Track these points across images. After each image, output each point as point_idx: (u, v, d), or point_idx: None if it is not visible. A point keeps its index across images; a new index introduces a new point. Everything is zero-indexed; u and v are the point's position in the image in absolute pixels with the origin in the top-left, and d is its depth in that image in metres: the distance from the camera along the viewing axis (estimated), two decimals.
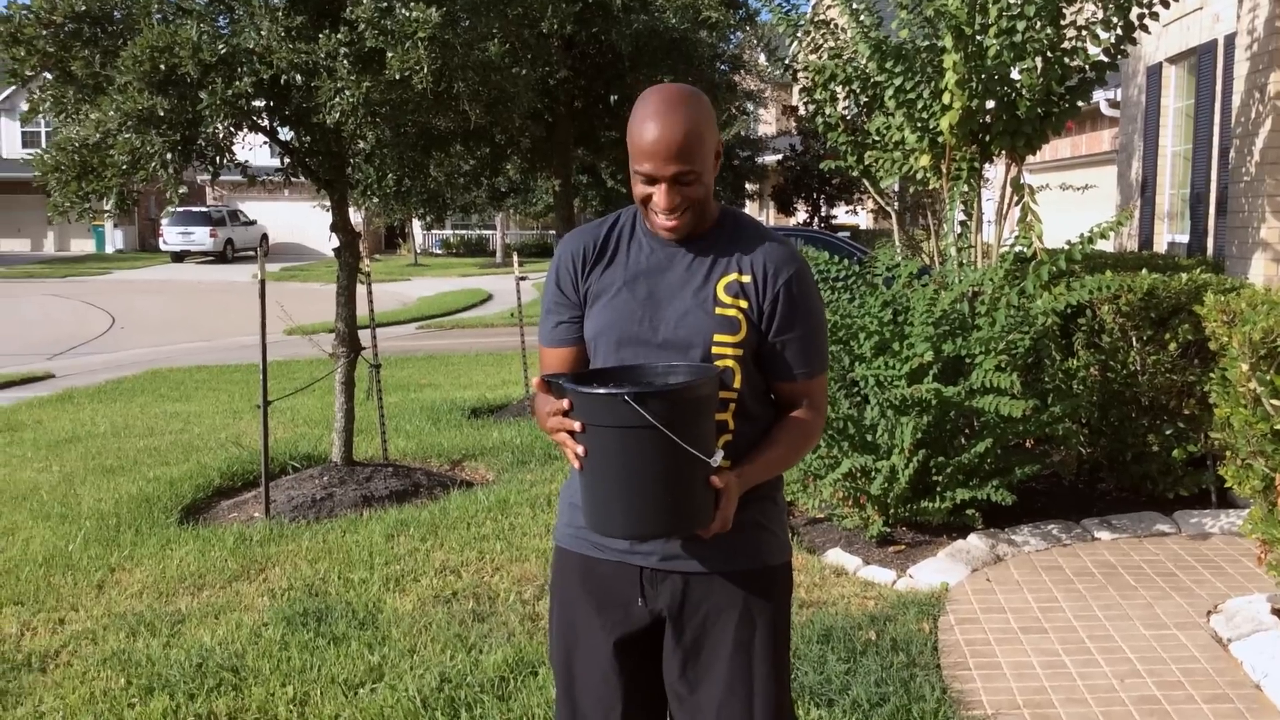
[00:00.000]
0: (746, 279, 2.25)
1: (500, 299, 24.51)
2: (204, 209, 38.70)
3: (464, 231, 43.52)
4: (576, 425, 2.06)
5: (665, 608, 2.29)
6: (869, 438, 5.43)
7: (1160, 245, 10.05)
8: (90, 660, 4.32)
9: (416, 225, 38.86)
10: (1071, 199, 13.44)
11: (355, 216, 40.77)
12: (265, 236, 41.95)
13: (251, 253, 40.80)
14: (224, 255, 38.49)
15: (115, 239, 42.95)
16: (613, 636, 2.31)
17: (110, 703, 3.95)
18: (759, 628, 2.29)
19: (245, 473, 7.40)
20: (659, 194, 2.18)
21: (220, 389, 12.26)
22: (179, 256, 38.12)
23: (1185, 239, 9.41)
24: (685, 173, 2.15)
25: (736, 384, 2.24)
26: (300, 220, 41.72)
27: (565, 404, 2.09)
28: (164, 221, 37.71)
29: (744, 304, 2.24)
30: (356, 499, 6.55)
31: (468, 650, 4.30)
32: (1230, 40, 8.15)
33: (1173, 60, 9.77)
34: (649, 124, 2.14)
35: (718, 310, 2.23)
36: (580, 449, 2.07)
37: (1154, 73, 10.01)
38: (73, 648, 4.47)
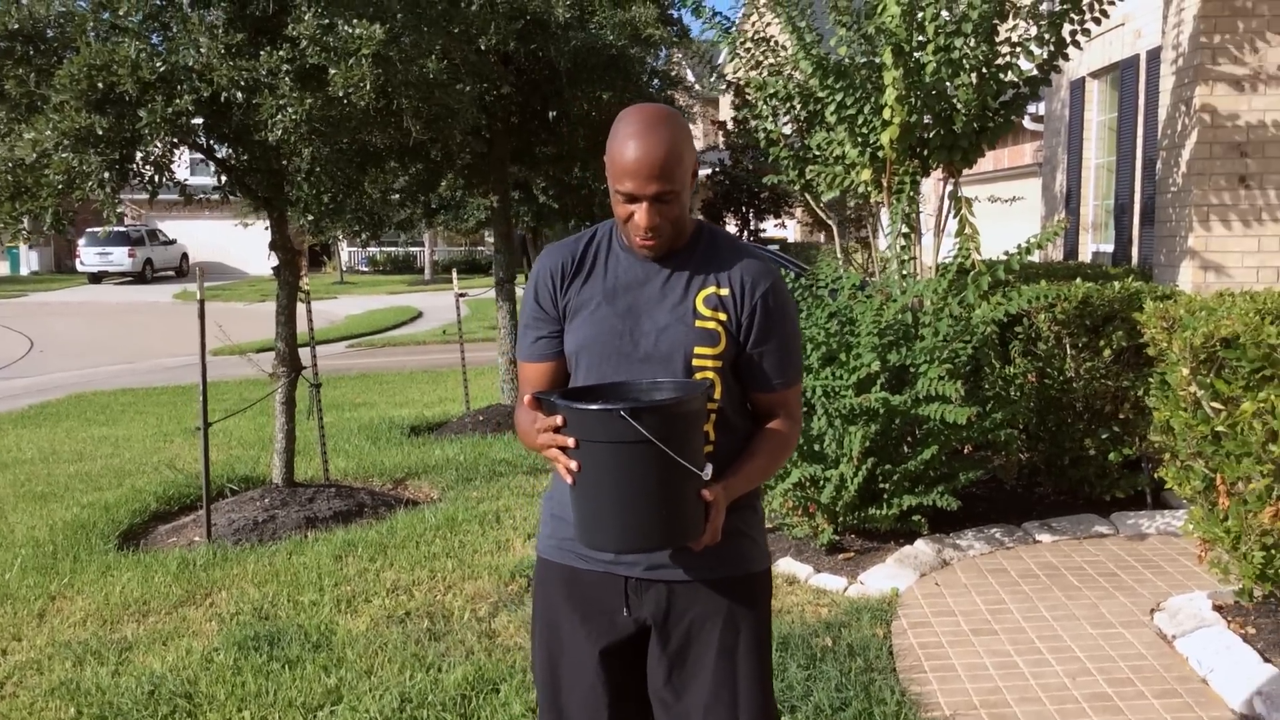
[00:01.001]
0: (725, 292, 2.28)
1: (431, 316, 24.34)
2: (122, 229, 37.92)
3: (391, 249, 43.18)
4: (570, 441, 2.07)
5: (650, 616, 2.31)
6: (816, 447, 5.50)
7: (1085, 255, 10.30)
8: (37, 691, 4.22)
9: (342, 243, 38.48)
10: (995, 212, 13.72)
11: None
12: (185, 256, 41.23)
13: (171, 273, 40.08)
14: (143, 276, 37.75)
15: (30, 260, 41.94)
16: (598, 646, 2.32)
17: None
18: (743, 633, 2.32)
19: (181, 496, 7.28)
20: (640, 213, 2.21)
21: (148, 412, 12.03)
22: (97, 278, 37.30)
23: (1110, 248, 9.66)
24: (665, 192, 2.18)
25: (717, 395, 2.27)
26: (221, 239, 41.01)
27: (558, 420, 2.09)
28: (81, 242, 36.86)
29: (723, 316, 2.27)
30: (300, 520, 6.46)
31: (426, 669, 4.27)
32: (1153, 55, 8.40)
33: (1095, 75, 10.05)
34: (630, 144, 2.16)
35: (697, 323, 2.27)
36: (573, 464, 2.08)
37: (1077, 87, 10.28)
38: (18, 678, 4.36)
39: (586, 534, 2.14)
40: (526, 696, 3.95)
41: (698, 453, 2.12)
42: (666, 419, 2.04)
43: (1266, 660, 3.98)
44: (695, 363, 2.25)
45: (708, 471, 2.12)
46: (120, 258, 36.92)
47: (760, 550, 2.39)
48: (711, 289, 2.28)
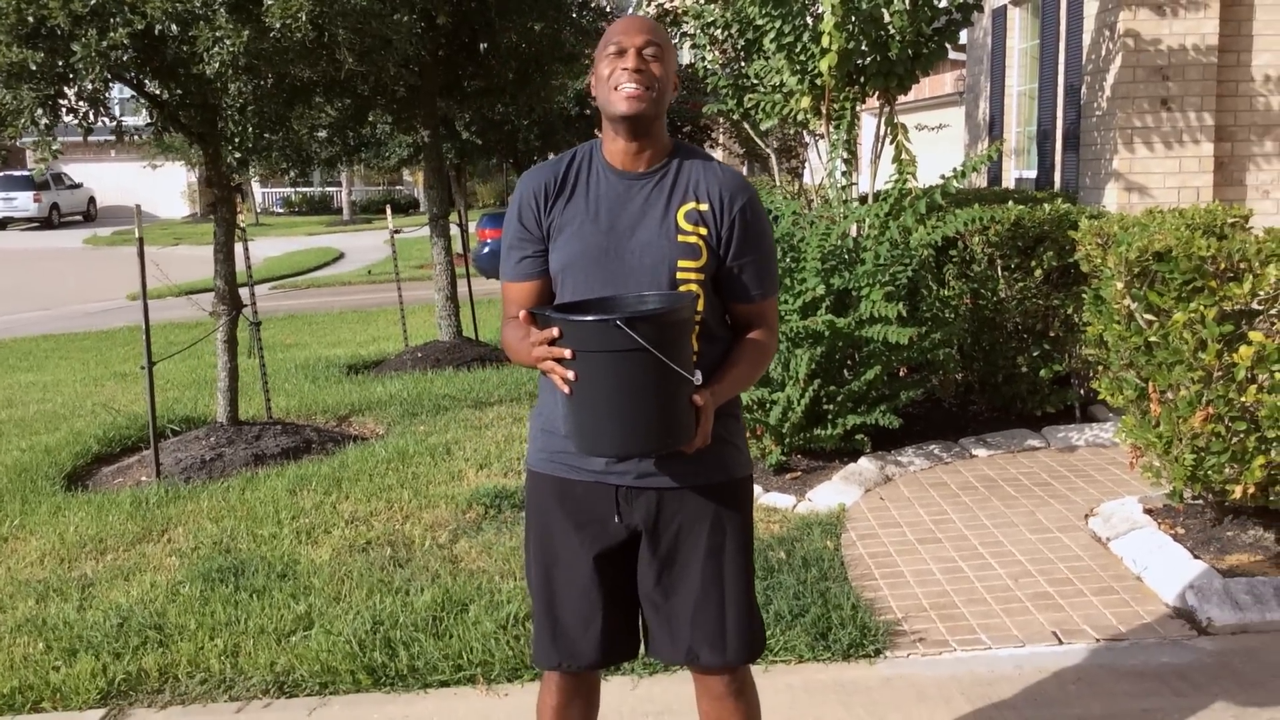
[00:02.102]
0: (704, 207, 2.38)
1: (353, 257, 24.06)
2: (25, 173, 36.71)
3: (306, 189, 42.38)
4: (567, 353, 2.15)
5: (640, 522, 2.42)
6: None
7: (1008, 181, 10.53)
8: (3, 628, 4.23)
9: (255, 183, 37.72)
10: (917, 140, 13.95)
11: (190, 176, 39.30)
12: (93, 200, 40.12)
13: (79, 218, 38.99)
14: (50, 221, 36.67)
15: None
16: (592, 552, 2.43)
17: (33, 667, 3.88)
18: (729, 535, 2.44)
19: (122, 438, 7.23)
20: (627, 59, 2.31)
21: (73, 357, 11.84)
22: (1, 224, 36.15)
23: (1033, 174, 9.88)
24: (652, 44, 2.31)
25: (700, 307, 2.36)
26: (129, 182, 39.89)
27: (554, 332, 2.17)
28: None
29: (703, 231, 2.37)
30: (248, 457, 6.47)
31: (394, 594, 4.35)
32: None
33: (1016, 3, 10.21)
34: (620, 23, 2.35)
35: (680, 238, 2.35)
36: (570, 374, 2.16)
37: (999, 15, 10.44)
38: None
39: (585, 441, 2.23)
40: (496, 615, 4.06)
41: (687, 360, 2.22)
42: (659, 327, 2.14)
43: (1196, 557, 4.23)
44: (679, 276, 2.34)
45: (697, 377, 2.22)
46: (25, 203, 35.83)
47: (744, 457, 2.50)
48: (691, 204, 2.37)
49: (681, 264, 2.34)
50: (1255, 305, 4.05)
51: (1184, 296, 4.06)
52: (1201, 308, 4.02)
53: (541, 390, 2.50)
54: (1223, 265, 4.01)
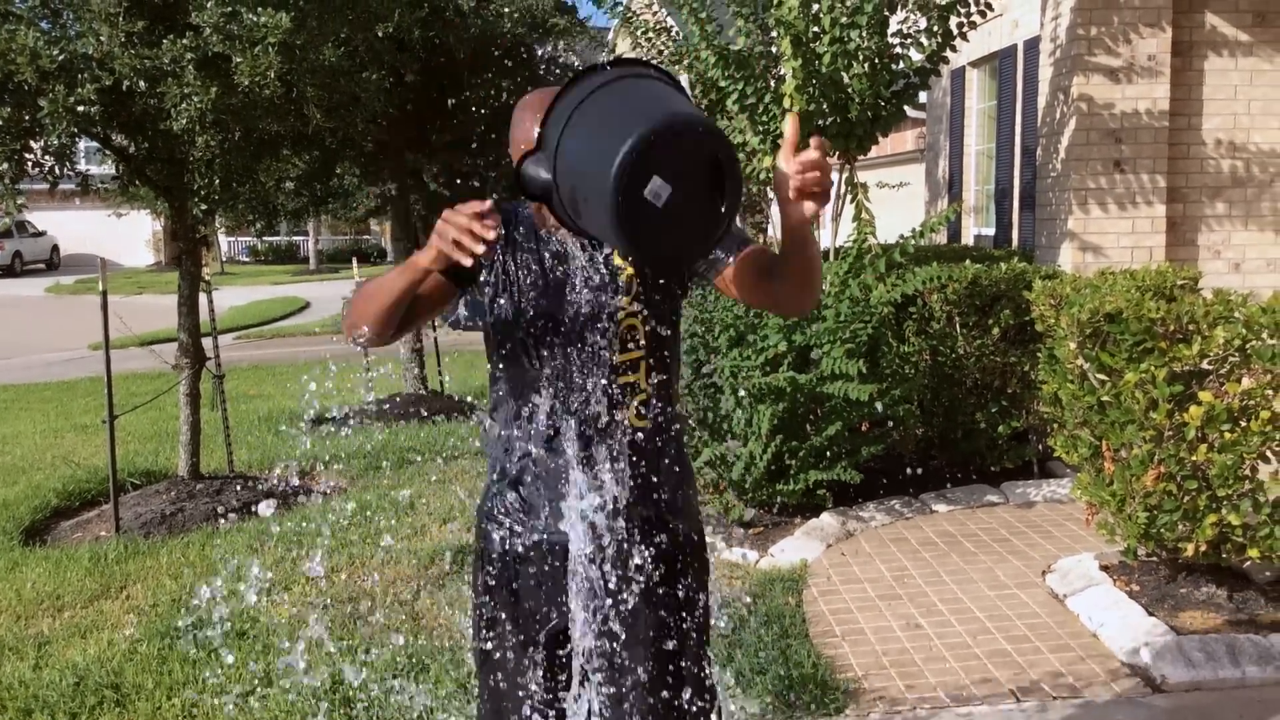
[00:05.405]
0: None
1: (319, 307, 23.96)
2: None
3: (272, 238, 42.25)
4: (490, 234, 1.97)
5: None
6: (726, 426, 5.68)
7: (967, 238, 10.71)
8: None
9: (221, 232, 37.59)
10: (878, 197, 14.12)
11: (155, 225, 39.12)
12: (56, 248, 39.84)
13: (41, 266, 38.68)
14: (12, 269, 36.38)
15: None
16: (540, 633, 2.43)
17: None
18: (683, 596, 2.46)
19: (81, 492, 7.16)
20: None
21: (33, 408, 11.71)
22: None
23: (991, 232, 10.06)
24: None
25: (642, 341, 2.36)
26: (93, 230, 39.66)
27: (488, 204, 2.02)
28: None
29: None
30: (208, 512, 6.43)
31: (355, 651, 4.34)
32: (1030, 44, 8.78)
33: (975, 64, 10.44)
34: (536, 131, 2.18)
35: (618, 276, 2.37)
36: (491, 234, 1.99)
37: (958, 76, 10.67)
38: None
39: (602, 165, 1.82)
40: (457, 673, 4.06)
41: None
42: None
43: (1150, 614, 4.29)
44: (620, 317, 2.34)
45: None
46: None
47: (697, 523, 2.52)
48: None
49: (620, 304, 2.35)
50: (1205, 366, 4.15)
51: (1135, 357, 4.15)
52: (1152, 368, 4.10)
53: (489, 477, 2.48)
54: (1172, 327, 4.11)
